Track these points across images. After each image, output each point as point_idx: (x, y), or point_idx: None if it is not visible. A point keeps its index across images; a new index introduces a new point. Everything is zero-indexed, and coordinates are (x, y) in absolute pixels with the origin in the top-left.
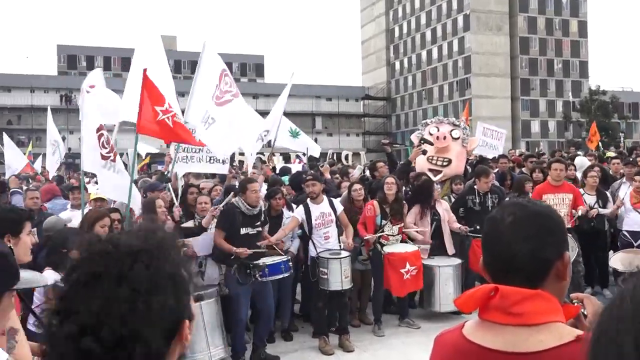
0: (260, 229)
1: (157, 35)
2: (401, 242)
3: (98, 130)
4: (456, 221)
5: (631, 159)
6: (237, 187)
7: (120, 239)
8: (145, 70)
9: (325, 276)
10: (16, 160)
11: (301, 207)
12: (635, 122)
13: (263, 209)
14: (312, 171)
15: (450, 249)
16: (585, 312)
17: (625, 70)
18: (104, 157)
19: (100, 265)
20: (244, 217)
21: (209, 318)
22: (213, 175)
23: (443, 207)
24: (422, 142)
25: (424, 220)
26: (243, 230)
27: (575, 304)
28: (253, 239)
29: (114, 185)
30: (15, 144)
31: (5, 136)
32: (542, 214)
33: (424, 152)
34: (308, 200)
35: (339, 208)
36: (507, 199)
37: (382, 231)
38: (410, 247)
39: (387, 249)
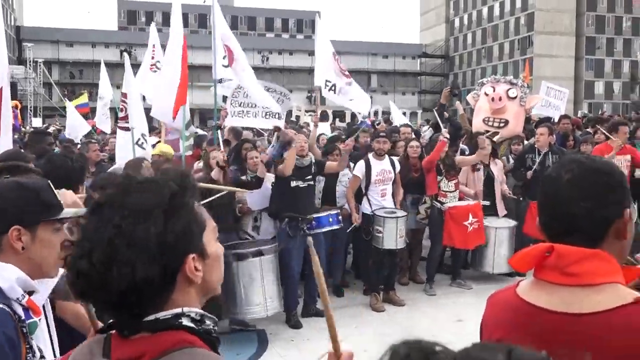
0: (311, 182)
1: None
2: (459, 200)
3: None
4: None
5: None
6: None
7: (136, 175)
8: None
9: (380, 234)
10: (80, 126)
11: (362, 162)
12: None
13: (313, 161)
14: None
15: (501, 209)
16: None
17: None
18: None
19: (106, 195)
20: (295, 169)
21: (267, 273)
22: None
23: (498, 167)
24: (451, 90)
25: (475, 176)
26: (293, 183)
27: (639, 266)
28: (304, 192)
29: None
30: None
31: (68, 103)
32: (602, 170)
33: (454, 94)
34: (370, 155)
35: (398, 167)
36: None
37: (439, 187)
38: (471, 201)
39: (448, 204)
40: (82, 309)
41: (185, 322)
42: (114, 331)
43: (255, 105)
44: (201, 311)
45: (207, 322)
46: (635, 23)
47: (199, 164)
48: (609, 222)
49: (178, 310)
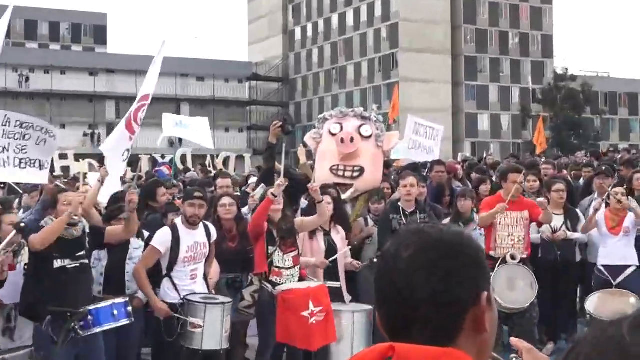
0: (85, 260)
1: None
2: (299, 280)
3: None
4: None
5: (603, 168)
6: None
7: None
8: None
9: (199, 330)
10: None
11: (167, 231)
12: (613, 119)
13: (87, 230)
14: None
15: (345, 290)
16: None
17: (601, 49)
18: None
19: None
20: (60, 243)
21: None
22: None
23: (340, 236)
24: (283, 119)
25: (313, 246)
26: (57, 263)
27: None
28: (74, 276)
29: None
30: None
31: None
32: (450, 242)
33: (287, 131)
34: (179, 222)
35: (215, 236)
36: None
37: (272, 263)
38: (313, 283)
39: (280, 287)
40: None
41: None
42: None
43: (4, 150)
44: None
45: None
46: (524, 40)
47: None
48: (461, 310)
49: None
